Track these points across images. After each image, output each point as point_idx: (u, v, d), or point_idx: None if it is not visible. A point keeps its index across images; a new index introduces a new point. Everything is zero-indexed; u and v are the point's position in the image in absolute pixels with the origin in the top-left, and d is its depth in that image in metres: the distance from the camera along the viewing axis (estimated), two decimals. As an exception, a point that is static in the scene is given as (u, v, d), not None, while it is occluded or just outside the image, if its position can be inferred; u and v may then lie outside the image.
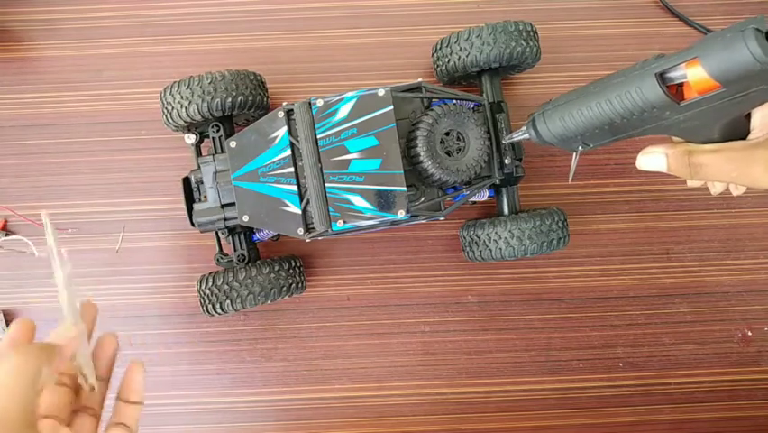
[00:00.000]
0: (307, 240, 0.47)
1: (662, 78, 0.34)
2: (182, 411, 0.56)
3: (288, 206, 0.47)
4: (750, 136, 0.35)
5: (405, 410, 0.57)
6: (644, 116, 0.35)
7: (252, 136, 0.47)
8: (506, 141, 0.47)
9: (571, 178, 0.43)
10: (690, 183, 0.40)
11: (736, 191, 0.40)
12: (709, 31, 0.57)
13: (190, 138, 0.50)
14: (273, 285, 0.49)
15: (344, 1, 0.57)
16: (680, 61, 0.33)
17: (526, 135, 0.43)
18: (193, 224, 0.49)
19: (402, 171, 0.45)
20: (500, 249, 0.49)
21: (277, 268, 0.49)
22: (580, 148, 0.40)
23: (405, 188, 0.45)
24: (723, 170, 0.35)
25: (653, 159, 0.38)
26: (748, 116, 0.35)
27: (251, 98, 0.48)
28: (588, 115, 0.37)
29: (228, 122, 0.50)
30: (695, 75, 0.32)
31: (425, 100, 0.47)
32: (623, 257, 0.57)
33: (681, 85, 0.34)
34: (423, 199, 0.47)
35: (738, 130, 0.35)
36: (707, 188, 0.41)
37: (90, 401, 0.34)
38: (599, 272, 0.57)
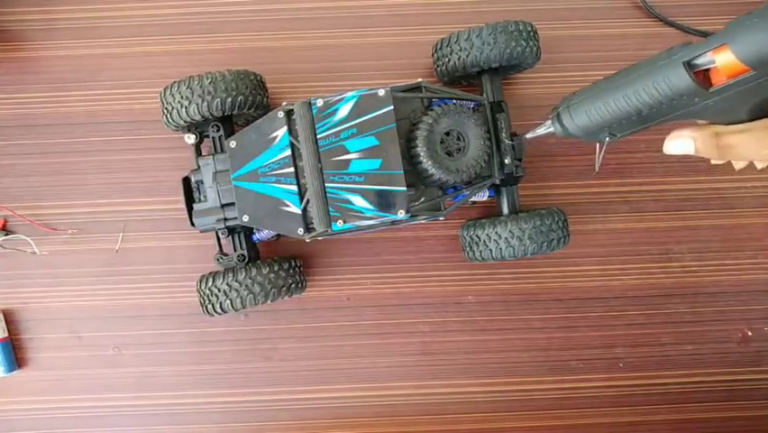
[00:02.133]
0: (307, 240, 0.47)
1: (689, 65, 0.33)
2: (182, 411, 0.56)
3: (287, 206, 0.47)
4: None
5: (404, 410, 0.57)
6: (674, 104, 0.35)
7: (252, 136, 0.47)
8: (529, 136, 0.46)
9: (597, 168, 0.43)
10: (714, 161, 0.39)
11: (760, 165, 0.40)
12: (702, 32, 0.57)
13: (190, 138, 0.50)
14: (273, 285, 0.49)
15: (344, 1, 0.57)
16: (708, 49, 0.32)
17: (551, 130, 0.42)
18: (193, 224, 0.49)
19: (402, 171, 0.45)
20: (500, 249, 0.49)
21: (277, 268, 0.49)
22: (607, 139, 0.40)
23: (405, 188, 0.45)
24: (753, 149, 0.36)
25: (680, 143, 0.38)
26: None
27: (250, 98, 0.48)
28: (615, 108, 0.37)
29: (228, 122, 0.50)
30: (724, 60, 0.32)
31: (425, 100, 0.47)
32: (623, 257, 0.57)
33: (707, 70, 0.34)
34: (423, 199, 0.47)
35: (766, 108, 0.35)
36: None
37: None
38: (599, 272, 0.57)
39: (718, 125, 0.36)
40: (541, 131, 0.44)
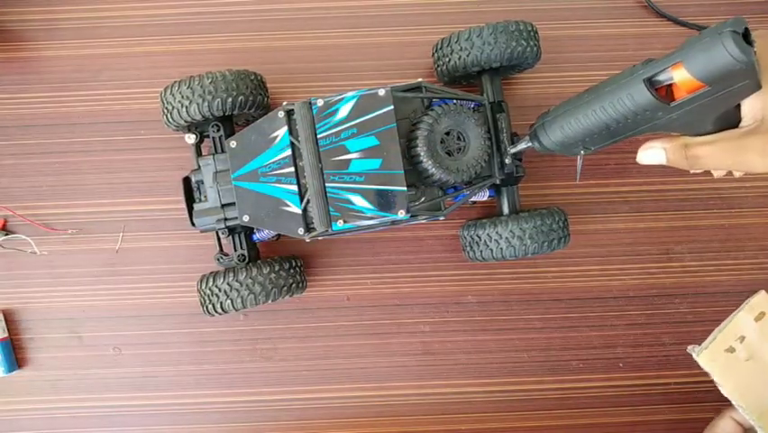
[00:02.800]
0: (308, 240, 0.47)
1: (650, 82, 0.36)
2: (182, 411, 0.56)
3: (288, 205, 0.47)
4: (741, 124, 0.37)
5: (404, 410, 0.57)
6: (638, 119, 0.37)
7: (252, 136, 0.47)
8: (510, 151, 0.49)
9: (578, 178, 0.45)
10: (693, 170, 0.41)
11: (738, 173, 0.42)
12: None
13: (190, 138, 0.50)
14: (273, 285, 0.49)
15: (344, 1, 0.57)
16: (665, 66, 0.35)
17: (530, 145, 0.45)
18: (193, 224, 0.49)
19: (402, 171, 0.45)
20: (501, 249, 0.49)
21: (277, 268, 0.49)
22: (582, 152, 0.42)
23: (405, 188, 0.45)
24: (719, 159, 0.38)
25: (652, 153, 0.41)
26: (738, 105, 0.37)
27: (251, 98, 0.48)
28: (585, 123, 0.40)
29: (228, 122, 0.50)
30: (681, 77, 0.34)
31: (425, 100, 0.47)
32: (623, 257, 0.57)
33: (670, 85, 0.36)
34: (423, 199, 0.47)
35: (730, 119, 0.37)
36: (709, 180, 0.42)
37: None
38: (599, 272, 0.57)
39: (687, 137, 0.39)
40: (521, 146, 0.47)
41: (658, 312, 0.57)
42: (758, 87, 0.34)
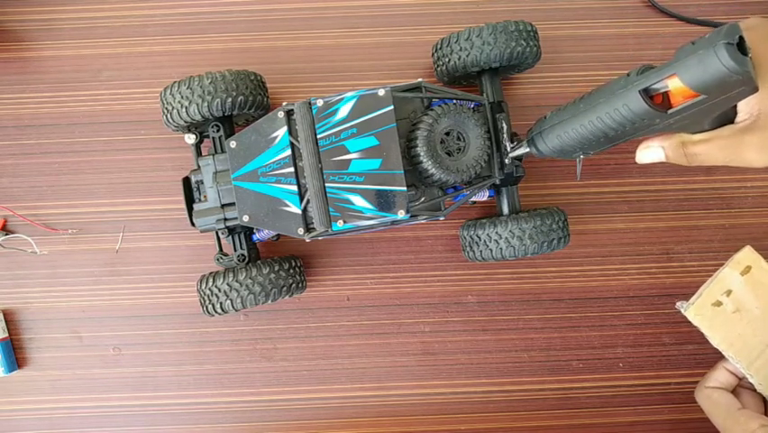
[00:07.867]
0: (307, 240, 0.47)
1: (646, 91, 0.36)
2: (182, 411, 0.56)
3: (288, 206, 0.47)
4: (737, 120, 0.38)
5: (405, 410, 0.57)
6: (636, 126, 0.38)
7: (252, 136, 0.47)
8: (509, 155, 0.49)
9: (578, 178, 0.46)
10: (693, 165, 0.42)
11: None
12: (715, 25, 0.57)
13: (190, 138, 0.50)
14: (273, 285, 0.49)
15: (344, 1, 0.57)
16: (659, 78, 0.35)
17: (528, 151, 0.46)
18: (193, 224, 0.49)
19: (402, 171, 0.45)
20: (501, 249, 0.49)
21: (277, 268, 0.49)
22: (581, 156, 0.43)
23: (405, 189, 0.45)
24: (716, 156, 0.39)
25: (651, 152, 0.42)
26: None
27: (251, 98, 0.48)
28: (582, 132, 0.40)
29: (228, 122, 0.50)
30: (676, 86, 0.35)
31: (425, 100, 0.47)
32: (623, 257, 0.57)
33: (666, 91, 0.36)
34: (423, 199, 0.47)
35: (727, 115, 0.38)
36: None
37: None
38: (599, 272, 0.57)
39: (685, 134, 0.40)
40: (519, 151, 0.48)
41: (658, 312, 0.57)
42: (755, 90, 0.34)
